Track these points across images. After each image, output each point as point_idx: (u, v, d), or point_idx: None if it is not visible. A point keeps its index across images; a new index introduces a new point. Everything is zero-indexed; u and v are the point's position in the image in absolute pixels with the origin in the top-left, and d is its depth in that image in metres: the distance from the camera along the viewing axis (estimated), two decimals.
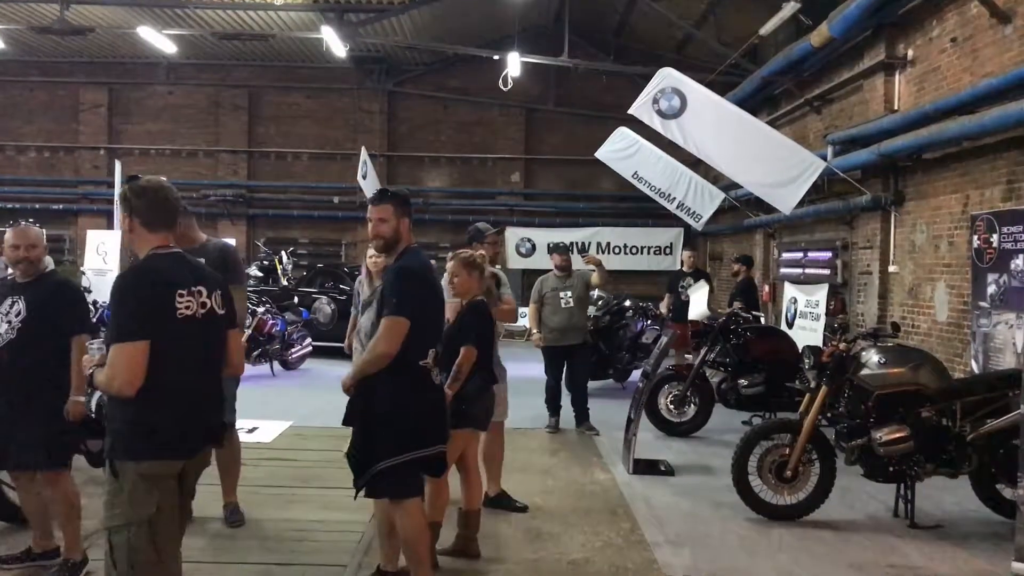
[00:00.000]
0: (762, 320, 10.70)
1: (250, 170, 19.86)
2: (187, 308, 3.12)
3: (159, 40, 15.39)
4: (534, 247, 19.09)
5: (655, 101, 9.61)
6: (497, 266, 5.93)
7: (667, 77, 9.64)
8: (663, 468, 7.08)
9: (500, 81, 15.21)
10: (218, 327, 3.32)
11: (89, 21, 15.56)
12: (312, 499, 6.00)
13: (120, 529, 3.05)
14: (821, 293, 10.49)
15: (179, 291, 3.11)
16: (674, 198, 12.12)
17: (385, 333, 3.90)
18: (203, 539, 5.09)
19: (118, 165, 15.78)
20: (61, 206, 19.43)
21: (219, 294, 3.31)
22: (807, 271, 12.17)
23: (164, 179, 3.33)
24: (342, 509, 5.40)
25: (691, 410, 8.50)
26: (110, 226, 15.41)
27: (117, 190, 15.53)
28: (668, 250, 19.21)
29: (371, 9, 15.30)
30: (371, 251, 5.84)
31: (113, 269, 13.97)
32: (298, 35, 16.39)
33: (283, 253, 16.80)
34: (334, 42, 14.67)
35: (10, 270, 4.54)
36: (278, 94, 19.92)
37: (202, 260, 4.51)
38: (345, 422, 4.08)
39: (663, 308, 11.96)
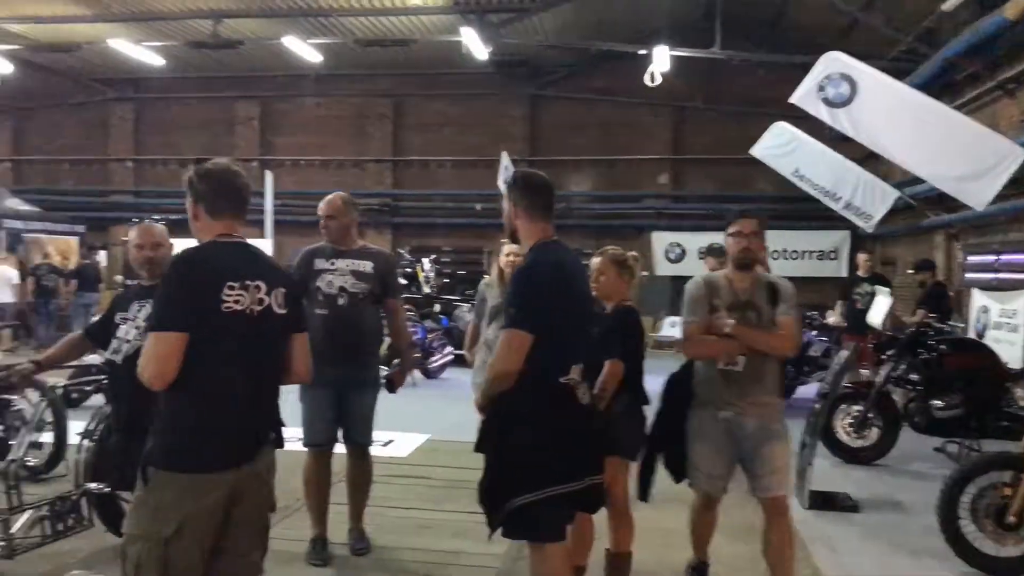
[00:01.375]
0: (960, 331, 9.42)
1: (395, 179, 19.95)
2: (236, 303, 2.75)
3: (304, 50, 15.57)
4: (683, 252, 18.15)
5: (820, 88, 8.55)
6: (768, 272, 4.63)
7: (834, 62, 8.56)
8: (845, 503, 6.12)
9: (646, 77, 14.41)
10: (275, 327, 2.89)
11: (239, 35, 15.93)
12: (445, 525, 5.46)
13: (135, 540, 2.69)
14: (1020, 301, 9.14)
15: (229, 283, 2.75)
16: (840, 197, 10.90)
17: (502, 349, 3.29)
18: (327, 570, 4.65)
19: (269, 176, 16.07)
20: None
21: (282, 292, 2.90)
22: (1001, 276, 10.73)
23: (231, 162, 2.98)
24: (478, 539, 4.81)
25: (873, 434, 7.42)
26: (262, 235, 15.69)
27: (268, 201, 15.98)
28: (833, 255, 17.74)
29: (511, 9, 14.88)
30: (505, 249, 5.27)
31: None
32: (439, 39, 16.18)
33: (425, 260, 16.64)
34: (475, 44, 14.35)
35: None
36: (421, 102, 19.91)
37: (368, 263, 4.43)
38: (477, 448, 3.48)
39: (833, 318, 10.80)
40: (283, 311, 2.90)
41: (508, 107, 19.31)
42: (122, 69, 18.84)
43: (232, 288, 2.75)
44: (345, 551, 4.88)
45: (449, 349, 12.76)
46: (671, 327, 9.60)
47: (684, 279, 4.62)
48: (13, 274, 15.25)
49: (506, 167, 15.24)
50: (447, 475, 6.61)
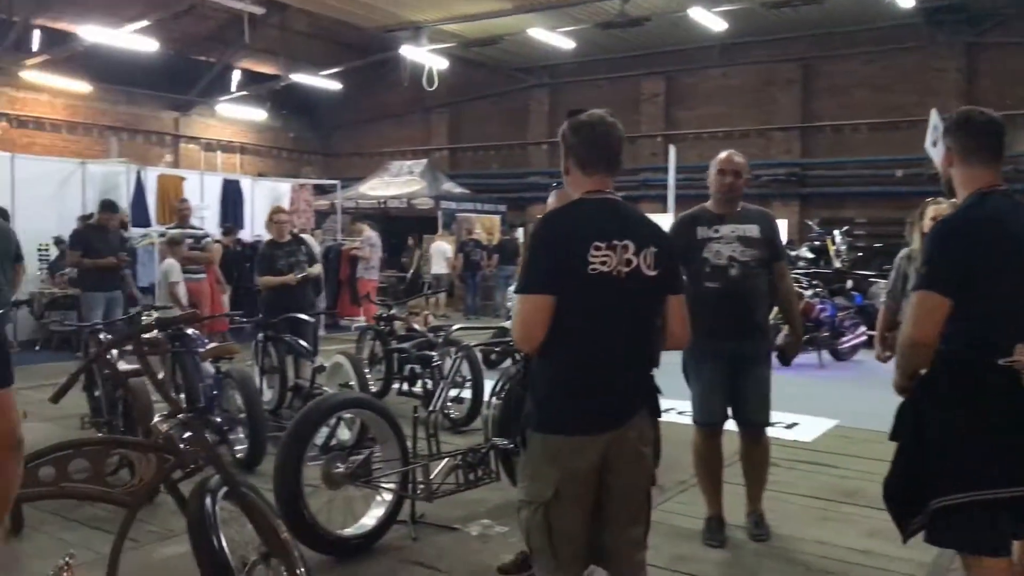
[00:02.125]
0: None
1: (803, 147, 18.85)
2: (603, 264, 2.61)
3: (710, 20, 15.25)
4: None
5: None
6: None
7: None
8: None
9: None
10: (645, 290, 2.69)
11: (645, 11, 16.09)
12: (854, 520, 4.89)
13: (523, 504, 2.72)
14: None
15: (596, 243, 2.61)
16: None
17: (912, 313, 2.75)
18: (723, 553, 4.40)
19: (672, 150, 16.09)
20: (624, 193, 20.55)
21: (652, 252, 2.69)
22: None
23: (607, 113, 2.77)
24: (892, 540, 4.21)
25: None
26: (664, 210, 15.80)
27: (671, 176, 16.04)
28: None
29: None
30: (930, 211, 4.54)
31: None
32: None
33: (836, 233, 15.45)
34: None
35: None
36: (833, 63, 18.53)
37: (753, 227, 4.19)
38: (892, 436, 2.97)
39: None
40: (653, 272, 2.70)
41: (937, 60, 17.16)
42: (537, 57, 20.18)
43: (599, 249, 2.61)
44: (741, 534, 4.59)
45: (863, 329, 11.68)
46: None
47: None
48: (448, 249, 17.23)
49: (935, 126, 13.49)
50: (857, 466, 5.95)
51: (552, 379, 2.68)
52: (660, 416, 2.89)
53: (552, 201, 3.86)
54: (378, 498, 4.55)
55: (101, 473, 3.05)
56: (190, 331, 6.71)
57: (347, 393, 5.35)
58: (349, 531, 4.33)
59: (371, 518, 4.45)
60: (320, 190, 19.49)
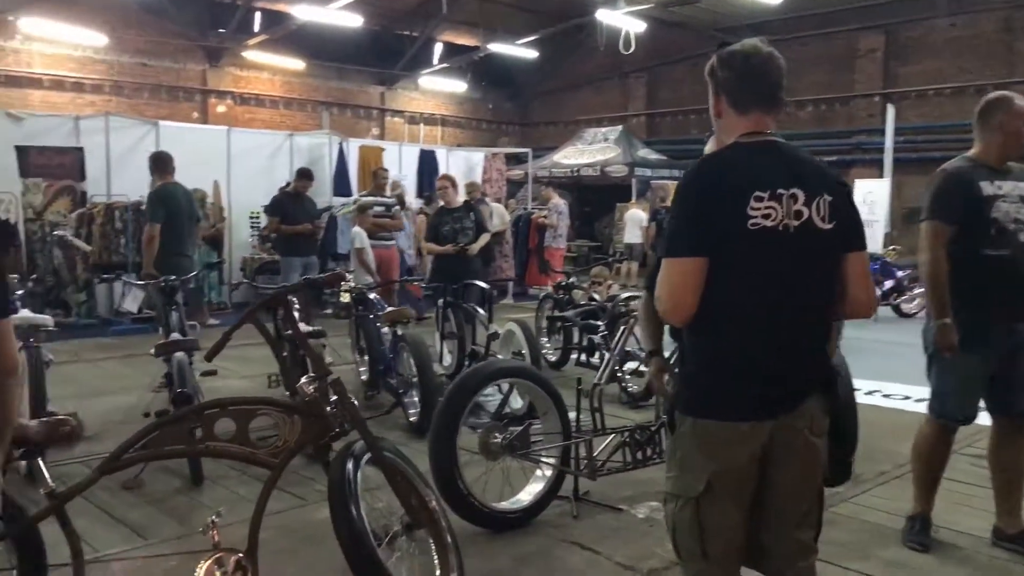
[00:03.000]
0: None
1: None
2: (766, 217, 2.21)
3: None
4: None
5: None
6: None
7: None
8: None
9: None
10: (818, 247, 2.27)
11: None
12: None
13: (670, 497, 2.39)
14: None
15: (756, 194, 2.21)
16: None
17: None
18: (928, 557, 3.85)
19: (890, 111, 14.71)
20: (835, 157, 19.21)
21: (827, 201, 2.28)
22: None
23: (762, 42, 2.35)
24: None
25: None
26: (880, 175, 14.51)
27: (889, 139, 14.65)
28: None
29: None
30: None
31: (879, 220, 12.95)
32: None
33: None
34: None
35: None
36: None
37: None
38: None
39: None
40: (828, 226, 2.27)
41: None
42: (741, 15, 19.11)
43: (760, 200, 2.20)
44: (949, 537, 4.00)
45: None
46: None
47: None
48: (642, 217, 16.76)
49: None
50: None
51: (707, 354, 2.32)
52: (837, 399, 2.46)
53: (710, 147, 3.43)
54: (538, 472, 4.36)
55: (246, 433, 3.03)
56: (372, 296, 6.83)
57: (505, 361, 5.19)
58: (505, 504, 4.17)
59: (529, 493, 4.27)
60: (515, 159, 19.59)
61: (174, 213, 7.19)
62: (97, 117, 11.18)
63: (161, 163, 7.40)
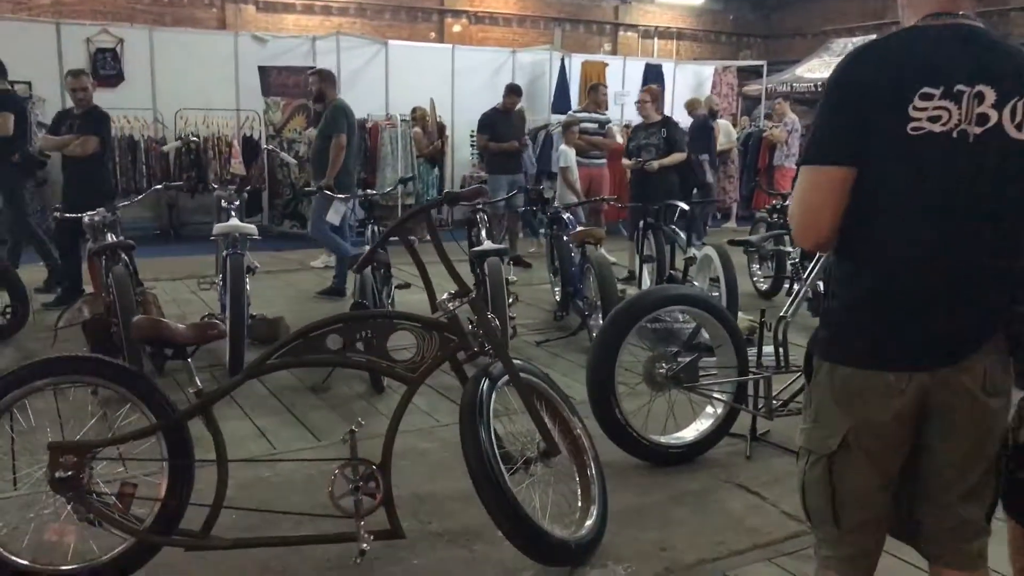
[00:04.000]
0: None
1: None
2: (934, 120, 1.76)
3: None
4: None
5: None
6: None
7: None
8: None
9: None
10: (1012, 162, 1.79)
11: None
12: None
13: (802, 452, 2.04)
14: None
15: (924, 90, 1.75)
16: None
17: None
18: None
19: None
20: None
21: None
22: None
23: None
24: None
25: None
26: None
27: None
28: None
29: None
30: None
31: None
32: None
33: None
34: None
35: None
36: None
37: None
38: None
39: None
40: None
41: None
42: None
43: (929, 98, 1.75)
44: None
45: None
46: None
47: None
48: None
49: None
50: None
51: (850, 289, 1.93)
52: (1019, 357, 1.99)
53: None
54: (708, 408, 4.07)
55: (384, 346, 3.02)
56: (565, 216, 6.70)
57: (677, 288, 4.83)
58: (667, 439, 3.93)
59: (696, 428, 4.00)
60: (754, 74, 18.37)
61: (352, 128, 7.25)
62: (330, 37, 11.71)
63: (332, 79, 7.48)
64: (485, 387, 3.02)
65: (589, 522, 3.12)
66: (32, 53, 9.89)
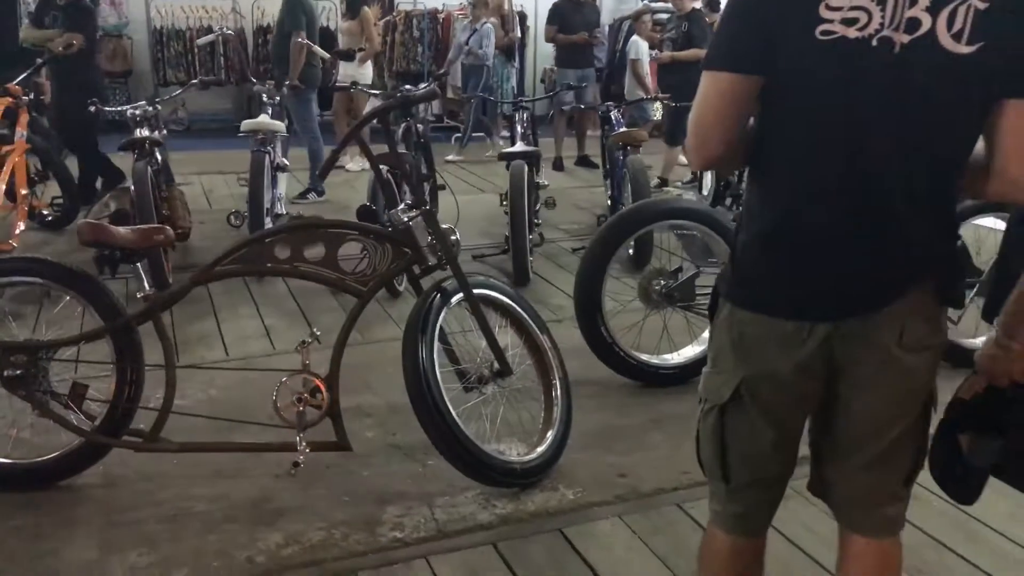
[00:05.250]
0: None
1: None
2: (849, 23, 1.45)
3: None
4: None
5: None
6: None
7: None
8: None
9: None
10: (946, 80, 1.46)
11: None
12: None
13: (700, 398, 1.82)
14: None
15: None
16: None
17: None
18: None
19: None
20: None
21: (972, 9, 1.43)
22: None
23: None
24: None
25: None
26: None
27: None
28: None
29: None
30: None
31: None
32: None
33: None
34: None
35: None
36: None
37: None
38: None
39: None
40: (967, 48, 1.44)
41: None
42: None
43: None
44: None
45: None
46: None
47: None
48: None
49: None
50: None
51: (755, 223, 1.67)
52: (959, 304, 1.71)
53: None
54: (706, 334, 3.84)
55: (334, 257, 2.94)
56: (613, 114, 6.37)
57: (676, 200, 4.48)
58: (658, 359, 3.74)
59: (689, 351, 3.79)
60: None
61: (310, 21, 6.90)
62: None
63: None
64: (436, 302, 2.92)
65: (541, 447, 3.03)
66: None
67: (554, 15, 8.63)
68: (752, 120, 1.63)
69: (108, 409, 2.89)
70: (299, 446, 2.84)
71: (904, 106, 1.48)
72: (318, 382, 2.91)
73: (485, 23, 8.78)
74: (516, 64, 11.03)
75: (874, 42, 1.45)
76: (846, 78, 1.48)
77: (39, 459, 2.91)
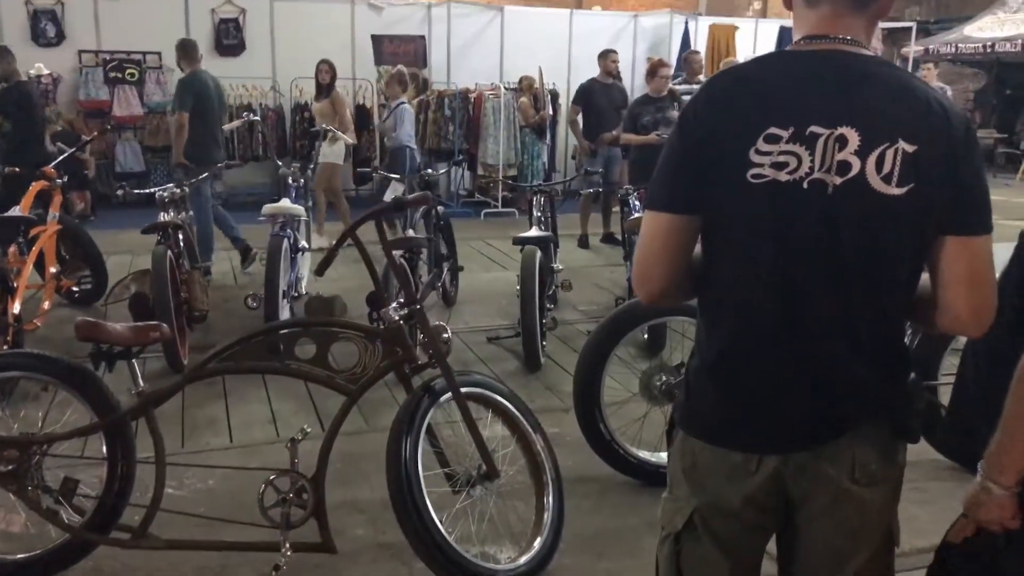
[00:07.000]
0: None
1: None
2: (779, 167, 1.47)
3: None
4: None
5: None
6: None
7: None
8: None
9: None
10: (881, 221, 1.47)
11: None
12: None
13: (659, 523, 1.80)
14: None
15: (770, 131, 1.47)
16: None
17: None
18: None
19: None
20: None
21: (901, 153, 1.44)
22: None
23: None
24: None
25: None
26: None
27: None
28: None
29: None
30: None
31: None
32: None
33: None
34: None
35: None
36: None
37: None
38: None
39: None
40: (897, 190, 1.44)
41: None
42: None
43: (775, 140, 1.45)
44: None
45: None
46: None
47: None
48: None
49: None
50: None
51: (703, 352, 1.67)
52: (914, 440, 1.66)
53: None
54: None
55: (325, 356, 2.96)
56: (631, 199, 6.40)
57: None
58: (655, 458, 3.66)
59: None
60: (924, 32, 16.91)
61: (203, 100, 6.85)
62: (443, 5, 11.66)
63: (187, 50, 7.03)
64: (425, 403, 2.91)
65: (528, 555, 2.96)
66: (161, 24, 10.41)
67: (580, 95, 8.72)
68: (697, 254, 1.64)
69: (97, 504, 2.91)
70: (282, 547, 2.82)
71: (838, 241, 1.49)
72: (305, 482, 2.90)
73: (400, 103, 8.17)
74: (548, 141, 11.21)
75: (805, 184, 1.47)
76: (778, 218, 1.49)
77: (28, 554, 2.92)
